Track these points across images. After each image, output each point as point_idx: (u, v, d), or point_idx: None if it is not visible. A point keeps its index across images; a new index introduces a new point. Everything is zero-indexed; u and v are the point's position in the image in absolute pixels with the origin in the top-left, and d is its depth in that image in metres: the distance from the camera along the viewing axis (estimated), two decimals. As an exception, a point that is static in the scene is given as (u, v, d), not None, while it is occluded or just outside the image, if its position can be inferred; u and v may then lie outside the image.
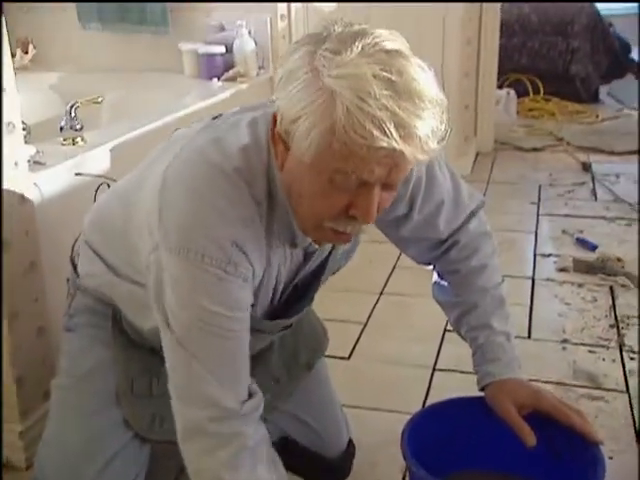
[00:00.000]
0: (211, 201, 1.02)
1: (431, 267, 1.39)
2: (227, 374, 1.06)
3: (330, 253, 1.22)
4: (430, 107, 0.90)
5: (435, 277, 1.38)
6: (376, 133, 0.86)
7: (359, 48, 0.89)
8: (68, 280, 1.37)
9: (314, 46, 0.92)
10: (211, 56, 2.56)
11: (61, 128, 1.85)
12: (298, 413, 1.42)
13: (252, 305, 1.10)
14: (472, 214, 1.30)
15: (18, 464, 1.54)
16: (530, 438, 1.14)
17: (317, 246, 1.16)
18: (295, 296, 1.23)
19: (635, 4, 6.28)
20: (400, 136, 0.87)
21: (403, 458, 1.13)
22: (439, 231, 1.27)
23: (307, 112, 0.91)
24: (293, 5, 2.77)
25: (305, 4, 2.93)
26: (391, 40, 0.92)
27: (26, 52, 2.64)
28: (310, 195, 0.98)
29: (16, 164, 1.47)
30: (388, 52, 0.90)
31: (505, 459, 1.20)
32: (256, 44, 2.65)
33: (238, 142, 1.04)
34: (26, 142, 1.59)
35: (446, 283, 1.35)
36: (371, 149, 0.88)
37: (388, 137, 0.86)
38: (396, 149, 0.88)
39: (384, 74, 0.87)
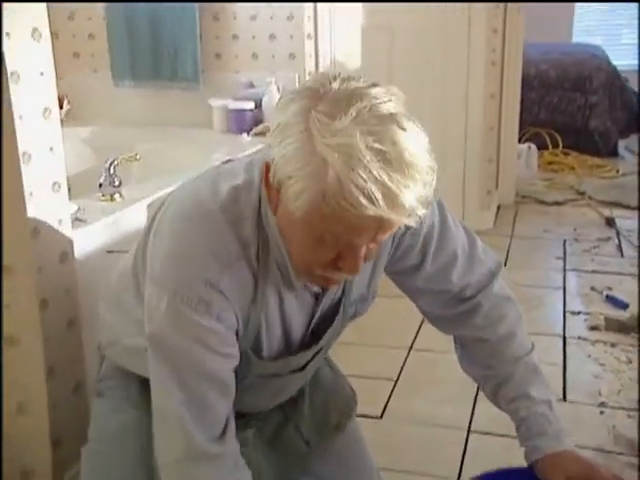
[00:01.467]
0: (189, 240, 1.06)
1: (454, 345, 1.38)
2: (205, 412, 1.08)
3: (342, 296, 1.22)
4: (418, 177, 0.91)
5: (459, 351, 1.37)
6: (365, 203, 0.88)
7: (353, 114, 0.90)
8: (99, 348, 1.39)
9: (310, 102, 0.93)
10: (241, 112, 2.60)
11: (100, 184, 1.88)
12: (332, 477, 1.40)
13: (256, 352, 1.14)
14: (492, 274, 1.30)
15: None
16: None
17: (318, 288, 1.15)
18: (313, 341, 1.23)
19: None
20: (388, 206, 0.89)
21: None
22: (454, 284, 1.26)
23: (299, 175, 0.92)
24: (321, 65, 2.83)
25: (333, 62, 3.00)
26: (386, 102, 0.93)
27: (61, 107, 2.69)
28: (300, 245, 1.00)
29: (60, 222, 1.49)
30: (382, 118, 0.91)
31: None
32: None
33: (230, 182, 1.08)
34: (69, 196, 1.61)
35: (473, 354, 1.34)
36: (359, 217, 0.89)
37: (376, 207, 0.88)
38: (383, 217, 0.90)
39: (376, 145, 0.89)
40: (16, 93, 1.36)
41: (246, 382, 1.17)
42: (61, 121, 2.64)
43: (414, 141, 0.92)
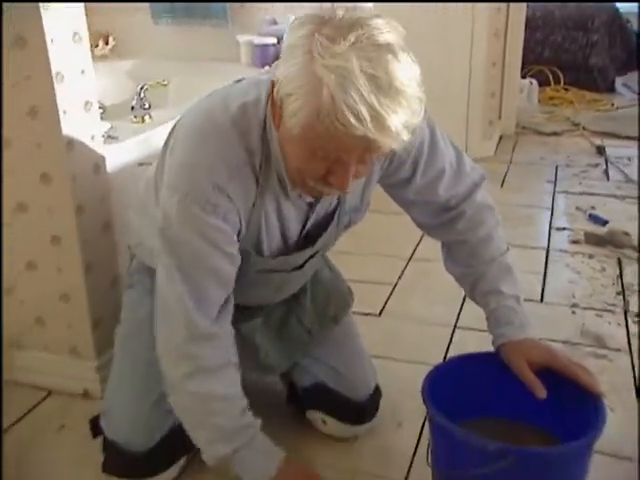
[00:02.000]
0: (201, 150, 1.05)
1: (441, 249, 1.36)
2: (204, 298, 1.09)
3: (337, 205, 1.21)
4: (406, 104, 0.90)
5: (445, 253, 1.35)
6: (354, 122, 0.87)
7: (352, 40, 0.88)
8: (129, 247, 1.42)
9: (316, 27, 0.92)
10: (264, 46, 2.53)
11: (132, 107, 1.88)
12: (330, 361, 1.41)
13: (257, 250, 1.14)
14: (475, 186, 1.28)
15: (94, 394, 1.56)
16: (541, 392, 1.12)
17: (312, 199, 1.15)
18: (309, 241, 1.22)
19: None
20: (375, 127, 0.88)
21: (424, 404, 1.11)
22: (440, 195, 1.24)
23: (298, 93, 0.92)
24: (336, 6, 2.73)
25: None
26: (385, 32, 0.92)
27: (107, 43, 2.67)
28: (295, 159, 1.00)
29: (92, 137, 1.49)
30: (379, 46, 0.89)
31: (516, 409, 1.18)
32: (306, 36, 2.63)
33: (240, 99, 1.06)
34: (102, 119, 1.61)
35: (456, 255, 1.32)
36: (348, 136, 0.89)
37: (364, 127, 0.87)
38: (370, 138, 0.89)
39: (370, 71, 0.87)
40: (46, 18, 1.32)
41: (250, 277, 1.17)
42: (106, 56, 2.66)
43: (406, 71, 0.90)
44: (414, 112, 0.92)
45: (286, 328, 1.39)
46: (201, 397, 1.12)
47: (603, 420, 1.06)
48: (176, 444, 1.28)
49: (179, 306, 1.09)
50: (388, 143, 0.91)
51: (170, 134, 1.17)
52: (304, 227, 1.19)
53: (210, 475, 1.31)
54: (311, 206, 1.16)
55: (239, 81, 1.17)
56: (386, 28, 0.91)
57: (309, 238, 1.22)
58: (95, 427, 1.31)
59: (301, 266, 1.24)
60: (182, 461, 1.31)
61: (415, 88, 0.91)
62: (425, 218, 1.31)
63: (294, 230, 1.18)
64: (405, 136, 0.92)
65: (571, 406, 1.12)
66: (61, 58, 1.36)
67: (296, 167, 1.01)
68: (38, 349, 1.60)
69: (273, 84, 0.98)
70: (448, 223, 1.28)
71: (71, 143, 1.41)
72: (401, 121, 0.90)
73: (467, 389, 1.18)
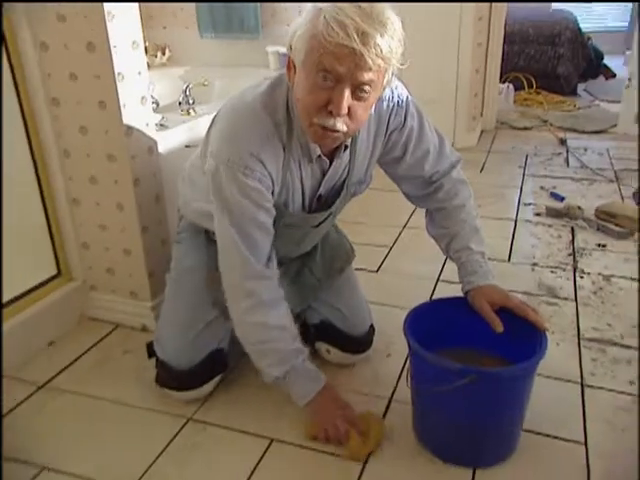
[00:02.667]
0: (237, 125, 1.06)
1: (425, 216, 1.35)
2: (256, 246, 1.10)
3: (346, 177, 1.20)
4: (390, 32, 0.90)
5: (427, 219, 1.35)
6: (342, 34, 0.88)
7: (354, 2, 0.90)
8: (178, 210, 1.42)
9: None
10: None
11: (179, 103, 1.88)
12: (335, 304, 1.42)
13: (285, 205, 1.14)
14: (452, 165, 1.28)
15: (150, 327, 1.59)
16: (499, 327, 1.14)
17: (327, 162, 1.13)
18: (323, 205, 1.22)
19: (604, 24, 5.96)
20: (360, 40, 0.87)
21: (404, 335, 1.13)
22: (426, 171, 1.25)
23: (302, 25, 0.93)
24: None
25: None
26: (386, 7, 0.92)
27: (164, 54, 2.66)
28: (303, 95, 0.97)
29: (147, 125, 1.49)
30: (374, 6, 0.90)
31: (479, 341, 1.19)
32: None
33: (267, 83, 1.07)
34: (155, 112, 1.62)
35: (435, 220, 1.32)
36: (338, 46, 0.89)
37: (350, 39, 0.87)
38: (356, 49, 0.88)
39: (361, 4, 0.89)
40: (110, 28, 1.32)
41: (279, 231, 1.17)
42: (164, 64, 2.68)
43: (389, 15, 0.91)
44: (395, 42, 0.91)
45: (301, 277, 1.39)
46: (259, 327, 1.14)
47: (545, 348, 1.08)
48: (212, 366, 1.30)
49: (236, 253, 1.10)
50: (372, 59, 0.89)
51: (213, 119, 1.17)
52: (318, 189, 1.18)
53: (235, 391, 1.35)
54: (324, 175, 1.16)
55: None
56: (385, 6, 0.92)
57: (325, 203, 1.21)
58: (150, 350, 1.34)
59: (317, 225, 1.25)
60: (217, 379, 1.33)
61: (397, 27, 0.91)
62: (412, 190, 1.30)
63: (311, 192, 1.18)
64: (390, 57, 0.91)
65: (522, 338, 1.13)
66: (122, 61, 1.36)
67: (304, 106, 0.98)
68: (107, 292, 1.63)
69: (290, 46, 0.98)
70: (431, 194, 1.29)
71: (130, 129, 1.42)
72: (386, 42, 0.89)
73: (440, 325, 1.19)
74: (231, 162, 1.04)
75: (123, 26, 1.36)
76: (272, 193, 1.10)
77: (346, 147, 1.12)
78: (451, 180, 1.27)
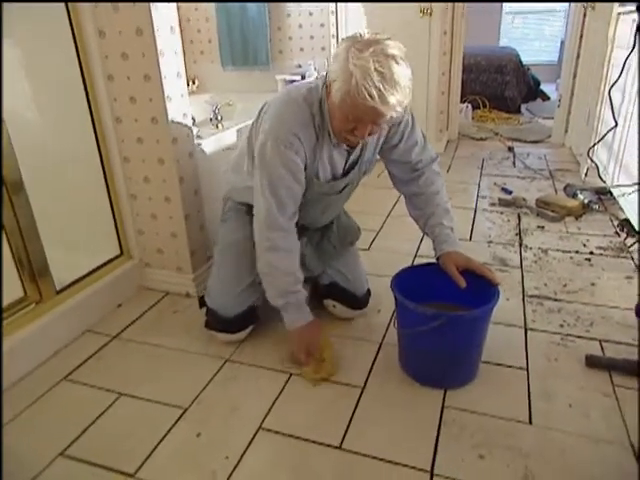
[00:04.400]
0: (285, 112, 1.10)
1: (405, 202, 1.35)
2: (282, 205, 1.13)
3: (360, 155, 1.22)
4: (400, 90, 0.96)
5: (407, 203, 1.35)
6: (368, 98, 0.93)
7: (371, 50, 0.94)
8: (223, 197, 1.41)
9: (351, 42, 0.97)
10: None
11: (210, 119, 1.92)
12: (341, 269, 1.43)
13: (316, 176, 1.16)
14: (432, 159, 1.29)
15: (192, 294, 1.61)
16: (463, 283, 1.18)
17: (348, 147, 1.16)
18: (344, 175, 1.24)
19: (540, 57, 6.01)
20: (381, 102, 0.95)
21: (392, 291, 1.16)
22: (413, 159, 1.26)
23: (339, 79, 0.97)
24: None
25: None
26: (392, 47, 0.96)
27: (194, 83, 2.70)
28: (337, 120, 1.06)
29: (188, 135, 1.51)
30: (387, 56, 0.95)
31: (448, 296, 1.22)
32: (318, 74, 2.64)
33: (307, 86, 1.12)
34: (193, 125, 1.64)
35: (415, 204, 1.32)
36: (365, 106, 0.94)
37: (374, 102, 0.94)
38: (378, 108, 0.95)
39: (380, 69, 0.94)
40: (162, 64, 1.35)
41: (309, 198, 1.19)
42: (194, 92, 2.72)
43: (402, 71, 0.96)
44: (405, 95, 0.97)
45: (321, 244, 1.41)
46: (272, 265, 1.16)
47: (498, 297, 1.13)
48: (248, 317, 1.33)
49: (266, 207, 1.13)
50: (389, 112, 0.97)
51: (259, 112, 1.19)
52: (344, 166, 1.21)
53: (262, 338, 1.37)
54: (349, 154, 1.19)
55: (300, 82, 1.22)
56: (393, 45, 0.97)
57: (345, 174, 1.23)
58: (201, 302, 1.36)
59: (340, 192, 1.25)
60: (249, 328, 1.36)
61: (407, 82, 0.96)
62: (400, 173, 1.31)
63: (339, 168, 1.21)
64: (399, 109, 0.98)
65: (480, 291, 1.16)
66: (170, 86, 1.40)
67: (337, 125, 1.06)
68: (159, 267, 1.65)
69: (326, 75, 1.04)
70: (414, 179, 1.29)
71: (176, 139, 1.45)
72: (397, 99, 0.95)
73: (418, 284, 1.21)
74: (278, 137, 1.07)
75: (170, 62, 1.39)
76: (305, 166, 1.12)
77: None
78: (430, 170, 1.29)
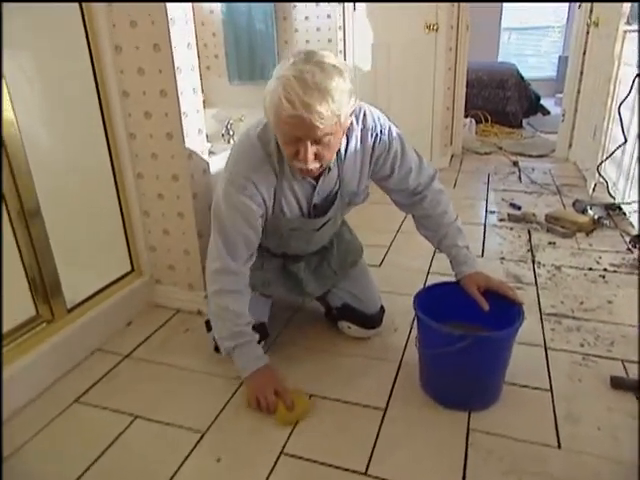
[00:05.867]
0: (238, 154, 1.08)
1: (413, 220, 1.33)
2: (235, 251, 1.11)
3: (337, 190, 1.17)
4: (328, 97, 0.88)
5: (416, 223, 1.33)
6: (289, 107, 0.88)
7: (292, 62, 0.89)
8: None
9: (286, 61, 0.92)
10: None
11: (222, 134, 1.91)
12: (352, 290, 1.43)
13: (282, 212, 1.12)
14: (432, 178, 1.25)
15: (204, 312, 1.58)
16: (485, 305, 1.17)
17: (311, 179, 1.11)
18: (320, 212, 1.19)
19: (539, 73, 6.10)
20: (304, 109, 0.87)
21: (414, 310, 1.14)
22: (410, 185, 1.24)
23: (267, 100, 0.94)
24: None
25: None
26: (320, 57, 0.91)
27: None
28: (280, 144, 1.00)
29: (202, 152, 1.50)
30: (313, 63, 0.89)
31: (470, 316, 1.21)
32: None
33: (264, 122, 1.07)
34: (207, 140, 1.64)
35: (425, 225, 1.30)
36: (289, 116, 0.89)
37: (296, 109, 0.87)
38: (304, 117, 0.88)
39: (300, 75, 0.87)
40: (179, 80, 1.36)
41: (287, 234, 1.17)
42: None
43: (327, 78, 0.88)
44: (340, 104, 0.88)
45: (320, 268, 1.39)
46: (221, 307, 1.14)
47: (522, 318, 1.11)
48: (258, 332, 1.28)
49: (217, 252, 1.12)
50: (317, 121, 0.88)
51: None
52: (311, 201, 1.16)
53: (275, 356, 1.35)
54: (314, 188, 1.14)
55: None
56: (324, 54, 0.90)
57: (320, 210, 1.18)
58: (208, 325, 1.34)
59: (318, 229, 1.22)
60: (261, 344, 1.30)
61: (337, 89, 0.88)
62: (401, 199, 1.29)
63: (305, 202, 1.16)
64: (332, 119, 0.89)
65: (501, 311, 1.15)
66: (186, 102, 1.40)
67: (285, 153, 0.99)
68: (170, 284, 1.63)
69: None
70: (417, 203, 1.27)
71: (190, 155, 1.44)
72: (325, 107, 0.87)
73: (440, 304, 1.20)
74: (231, 181, 1.05)
75: (185, 77, 1.38)
76: (266, 207, 1.09)
77: (329, 169, 1.11)
78: (432, 191, 1.25)
